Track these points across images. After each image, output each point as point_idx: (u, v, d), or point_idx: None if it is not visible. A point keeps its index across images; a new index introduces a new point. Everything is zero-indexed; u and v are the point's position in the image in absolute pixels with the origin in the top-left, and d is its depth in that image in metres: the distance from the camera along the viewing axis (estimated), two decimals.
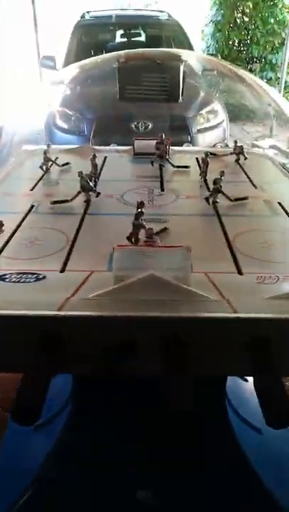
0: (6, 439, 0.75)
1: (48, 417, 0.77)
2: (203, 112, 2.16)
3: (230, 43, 5.24)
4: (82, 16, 3.02)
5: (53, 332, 0.37)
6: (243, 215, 0.65)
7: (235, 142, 0.93)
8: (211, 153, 0.86)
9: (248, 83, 1.12)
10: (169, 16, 3.07)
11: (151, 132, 1.91)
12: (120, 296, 0.41)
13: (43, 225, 0.61)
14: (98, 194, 0.69)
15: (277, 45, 4.99)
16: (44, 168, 0.83)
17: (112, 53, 1.13)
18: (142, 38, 2.97)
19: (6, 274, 0.47)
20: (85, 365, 0.40)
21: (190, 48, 2.73)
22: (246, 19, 5.16)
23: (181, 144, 1.12)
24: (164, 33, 2.90)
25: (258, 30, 5.04)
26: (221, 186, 0.66)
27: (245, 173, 0.84)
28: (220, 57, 3.99)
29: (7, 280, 0.46)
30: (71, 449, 0.73)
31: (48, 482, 0.68)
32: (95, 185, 0.72)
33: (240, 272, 0.49)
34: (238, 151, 0.90)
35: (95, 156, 0.78)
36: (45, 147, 0.87)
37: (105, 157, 0.92)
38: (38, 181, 0.79)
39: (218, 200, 0.67)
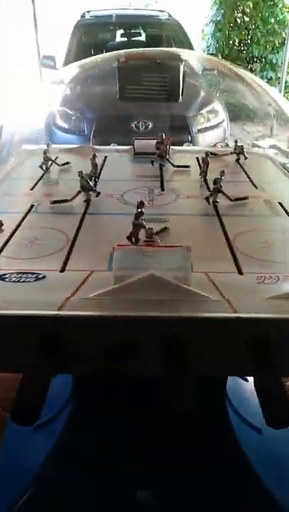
0: (6, 439, 0.75)
1: (48, 417, 0.77)
2: (204, 111, 2.15)
3: (231, 42, 5.24)
4: (83, 16, 3.02)
5: (53, 332, 0.37)
6: (243, 214, 0.65)
7: (236, 142, 0.93)
8: (211, 153, 0.85)
9: (248, 83, 1.12)
10: (169, 15, 3.07)
11: (152, 132, 1.91)
12: (120, 295, 0.40)
13: (42, 225, 0.60)
14: (98, 194, 0.69)
15: (277, 44, 4.98)
16: (44, 167, 0.83)
17: (112, 53, 1.13)
18: (142, 38, 2.96)
19: (5, 274, 0.46)
20: (85, 365, 0.40)
21: (190, 47, 2.72)
22: (246, 19, 5.16)
23: (181, 144, 1.12)
24: (164, 32, 2.90)
25: (259, 30, 5.03)
26: (221, 186, 0.66)
27: (246, 173, 0.84)
28: (220, 57, 3.97)
29: (7, 280, 0.46)
30: (71, 449, 0.73)
31: (48, 482, 0.68)
32: (95, 185, 0.72)
33: (240, 272, 0.49)
34: (239, 151, 0.90)
35: (95, 156, 0.78)
36: (45, 147, 0.87)
37: (105, 157, 0.92)
38: (38, 181, 0.79)
39: (218, 200, 0.67)
